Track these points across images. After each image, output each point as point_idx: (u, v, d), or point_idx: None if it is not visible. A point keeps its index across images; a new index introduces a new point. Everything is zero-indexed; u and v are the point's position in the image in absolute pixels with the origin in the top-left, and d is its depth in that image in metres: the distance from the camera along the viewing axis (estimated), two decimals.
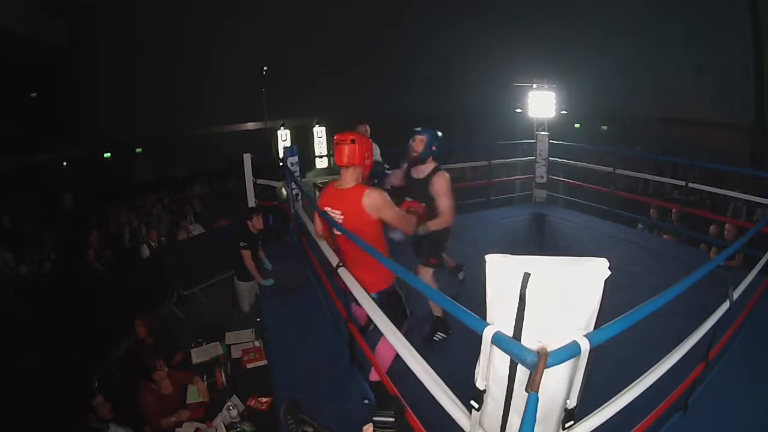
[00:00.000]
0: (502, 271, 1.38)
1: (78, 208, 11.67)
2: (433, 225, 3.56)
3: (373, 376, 3.04)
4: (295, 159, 5.86)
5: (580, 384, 1.44)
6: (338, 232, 2.92)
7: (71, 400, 4.33)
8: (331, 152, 18.05)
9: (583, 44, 13.73)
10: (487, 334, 1.40)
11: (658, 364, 2.17)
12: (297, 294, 4.76)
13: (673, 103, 13.28)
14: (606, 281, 1.34)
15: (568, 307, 1.35)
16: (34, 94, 13.47)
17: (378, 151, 5.54)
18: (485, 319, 1.47)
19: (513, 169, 9.52)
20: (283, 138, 17.48)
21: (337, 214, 2.91)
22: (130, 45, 14.51)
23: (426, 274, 3.95)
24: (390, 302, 3.00)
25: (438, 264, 4.04)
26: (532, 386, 1.27)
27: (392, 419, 1.58)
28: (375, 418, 1.59)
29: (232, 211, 9.45)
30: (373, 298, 2.76)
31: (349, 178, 2.90)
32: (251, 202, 5.85)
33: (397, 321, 2.74)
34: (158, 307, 6.89)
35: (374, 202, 2.80)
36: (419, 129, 3.84)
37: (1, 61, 11.22)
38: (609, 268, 1.35)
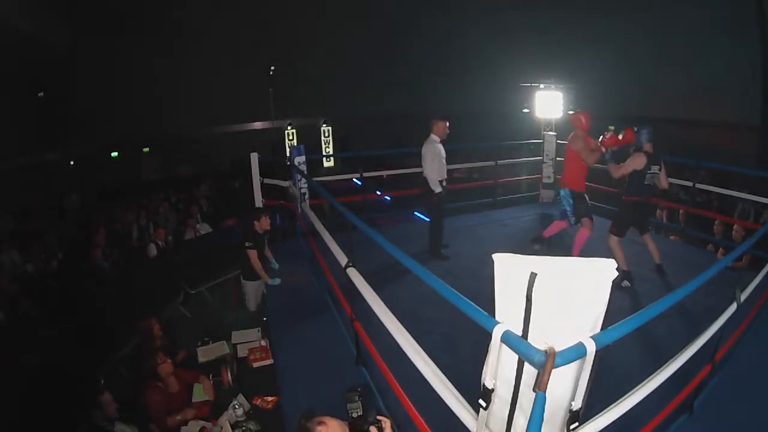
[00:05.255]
0: (509, 271, 1.38)
1: (85, 207, 11.73)
2: (613, 167, 4.82)
3: None
4: (303, 158, 5.85)
5: (585, 385, 1.44)
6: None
7: (77, 398, 4.35)
8: (337, 151, 17.87)
9: (589, 45, 13.68)
10: (497, 333, 1.40)
11: (664, 366, 2.16)
12: (303, 293, 4.77)
13: (679, 103, 13.20)
14: (612, 282, 1.34)
15: (574, 307, 1.35)
16: (42, 94, 13.55)
17: None
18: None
19: (520, 170, 9.48)
20: (290, 137, 17.51)
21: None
22: (137, 45, 14.59)
23: (611, 241, 4.84)
24: (576, 199, 5.32)
25: (617, 233, 4.82)
26: (540, 386, 1.26)
27: (357, 395, 1.78)
28: (348, 404, 1.79)
29: (239, 210, 9.46)
30: (565, 193, 5.40)
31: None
32: (258, 201, 5.86)
33: (581, 215, 5.28)
34: (165, 306, 6.90)
35: (573, 136, 5.32)
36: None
37: (8, 61, 11.29)
38: (616, 269, 1.35)
